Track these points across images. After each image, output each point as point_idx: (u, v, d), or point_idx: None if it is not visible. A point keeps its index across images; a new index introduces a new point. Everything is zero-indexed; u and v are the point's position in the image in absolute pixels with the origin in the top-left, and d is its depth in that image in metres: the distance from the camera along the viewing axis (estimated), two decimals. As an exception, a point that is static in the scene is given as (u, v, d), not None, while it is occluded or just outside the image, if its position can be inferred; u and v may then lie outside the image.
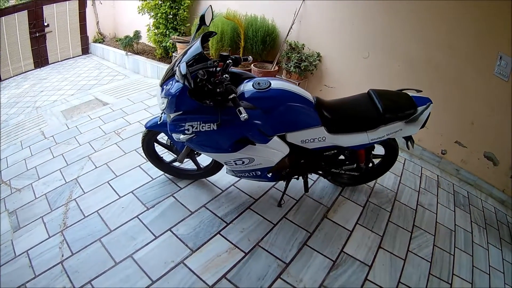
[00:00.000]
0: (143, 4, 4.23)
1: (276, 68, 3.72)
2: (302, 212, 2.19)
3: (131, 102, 3.59)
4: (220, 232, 1.91)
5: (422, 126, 1.92)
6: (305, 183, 2.11)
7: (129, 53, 4.62)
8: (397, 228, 2.25)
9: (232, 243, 1.85)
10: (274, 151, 1.77)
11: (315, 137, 1.79)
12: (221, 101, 1.54)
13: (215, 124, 1.58)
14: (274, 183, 2.37)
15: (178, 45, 4.12)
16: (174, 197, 2.16)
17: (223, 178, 2.35)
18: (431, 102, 1.88)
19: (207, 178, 2.34)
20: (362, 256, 1.96)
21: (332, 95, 3.61)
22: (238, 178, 2.31)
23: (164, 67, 4.26)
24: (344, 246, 1.99)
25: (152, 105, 3.48)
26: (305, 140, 1.79)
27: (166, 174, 2.35)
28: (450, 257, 2.16)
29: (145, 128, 2.04)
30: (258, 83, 1.66)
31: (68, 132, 3.01)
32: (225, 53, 1.67)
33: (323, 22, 3.53)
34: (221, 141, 1.69)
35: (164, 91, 1.63)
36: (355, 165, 2.10)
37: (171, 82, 1.61)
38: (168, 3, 4.04)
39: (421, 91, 2.00)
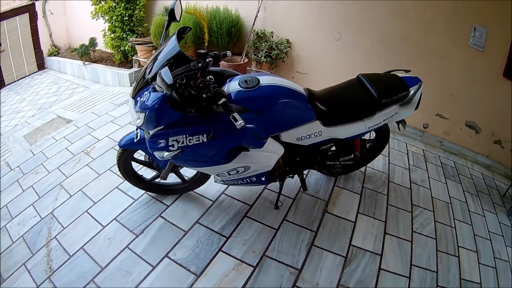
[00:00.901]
0: (96, 8, 3.85)
1: (246, 60, 3.51)
2: (301, 210, 2.06)
3: (96, 116, 3.26)
4: (222, 249, 1.73)
5: (416, 107, 1.83)
6: (302, 181, 1.96)
7: (86, 63, 4.22)
8: (397, 210, 2.20)
9: (237, 259, 1.68)
10: (269, 154, 1.59)
11: (311, 132, 1.64)
12: (206, 108, 1.32)
13: (204, 135, 1.36)
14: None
15: (137, 47, 3.82)
16: (162, 217, 1.94)
17: (211, 187, 2.14)
18: (421, 81, 1.79)
19: (193, 190, 2.13)
20: (371, 246, 1.88)
21: (305, 82, 3.48)
22: (227, 186, 2.13)
23: (125, 73, 3.92)
24: (351, 239, 1.90)
25: (119, 116, 3.17)
26: (300, 137, 1.63)
27: (147, 192, 2.11)
28: (452, 230, 2.16)
29: (119, 147, 1.78)
30: (245, 81, 1.45)
31: (34, 159, 2.67)
32: (202, 51, 1.43)
33: (290, 6, 3.35)
34: (212, 154, 1.48)
35: (138, 105, 1.35)
36: (352, 155, 1.99)
37: (145, 92, 1.34)
38: (123, 4, 3.69)
39: (410, 71, 1.90)
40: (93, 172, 2.37)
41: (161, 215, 1.95)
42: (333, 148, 1.98)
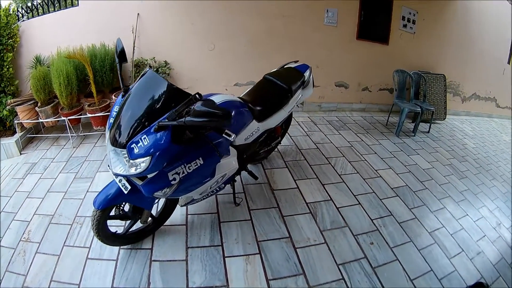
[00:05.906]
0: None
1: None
2: (255, 197, 2.36)
3: (6, 197, 2.53)
4: (225, 256, 1.87)
5: (313, 86, 2.40)
6: (250, 172, 2.23)
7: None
8: (319, 166, 2.79)
9: (242, 255, 1.87)
10: (232, 158, 1.82)
11: (253, 130, 1.95)
12: (202, 133, 1.39)
13: (200, 158, 1.46)
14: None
15: (18, 109, 3.13)
16: (155, 260, 1.86)
17: (173, 217, 2.12)
18: (310, 66, 2.36)
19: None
20: (321, 197, 2.40)
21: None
22: (185, 207, 2.19)
23: (10, 142, 3.09)
24: (305, 199, 2.36)
25: (31, 189, 2.60)
26: (247, 137, 1.93)
27: (121, 247, 1.94)
28: (364, 162, 2.91)
29: (96, 210, 1.59)
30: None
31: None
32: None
33: (160, 29, 3.50)
34: (205, 173, 1.57)
35: (137, 151, 1.29)
36: (279, 138, 2.42)
37: (143, 136, 1.29)
38: (-12, 64, 2.95)
39: (298, 60, 2.45)
40: (49, 256, 1.94)
41: (152, 260, 1.86)
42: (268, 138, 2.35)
